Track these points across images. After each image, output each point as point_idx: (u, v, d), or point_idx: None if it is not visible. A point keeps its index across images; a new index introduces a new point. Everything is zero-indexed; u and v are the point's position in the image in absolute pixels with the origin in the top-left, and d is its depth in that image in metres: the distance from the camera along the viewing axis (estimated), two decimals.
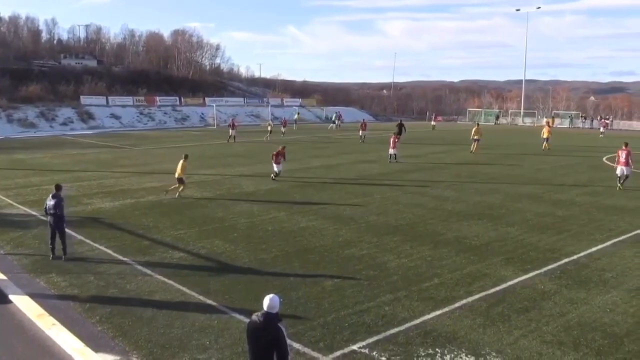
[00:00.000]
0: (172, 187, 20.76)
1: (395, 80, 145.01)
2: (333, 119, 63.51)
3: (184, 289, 11.18)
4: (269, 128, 48.81)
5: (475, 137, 37.16)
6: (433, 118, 73.36)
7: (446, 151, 38.16)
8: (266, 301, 6.57)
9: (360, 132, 45.61)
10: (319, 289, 11.22)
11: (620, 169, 23.34)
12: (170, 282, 11.56)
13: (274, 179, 24.17)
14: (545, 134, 40.64)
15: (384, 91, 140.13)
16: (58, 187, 13.46)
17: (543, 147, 39.42)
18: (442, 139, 50.45)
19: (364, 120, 52.45)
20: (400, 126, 44.64)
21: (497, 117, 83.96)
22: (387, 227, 16.31)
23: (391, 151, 31.35)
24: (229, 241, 14.68)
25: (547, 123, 48.09)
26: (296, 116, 59.87)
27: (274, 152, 24.42)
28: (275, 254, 13.57)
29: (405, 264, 12.87)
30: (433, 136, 53.68)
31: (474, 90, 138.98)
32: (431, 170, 28.16)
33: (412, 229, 16.12)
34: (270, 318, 6.49)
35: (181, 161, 20.61)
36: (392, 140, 31.66)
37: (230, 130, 43.95)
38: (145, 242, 14.59)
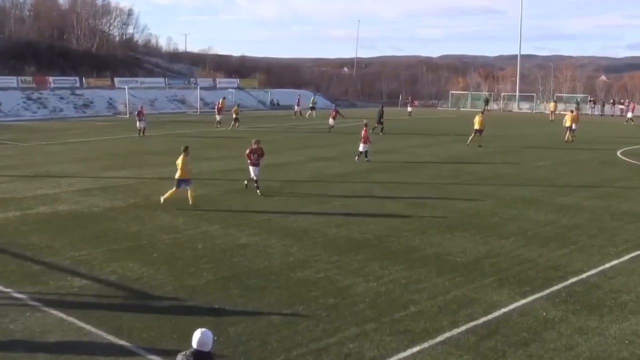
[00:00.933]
0: (169, 193, 20.16)
1: (359, 56, 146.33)
2: (313, 102, 64.26)
3: (88, 327, 10.96)
4: (235, 115, 48.71)
5: (477, 128, 37.40)
6: (409, 103, 74.12)
7: (424, 145, 38.67)
8: (196, 336, 6.54)
9: (331, 120, 46.47)
10: (265, 323, 11.18)
11: None
12: (70, 318, 11.31)
13: (248, 187, 22.84)
14: (568, 121, 41.97)
15: (345, 69, 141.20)
16: None
17: (566, 139, 40.88)
18: (419, 129, 51.06)
19: (335, 107, 53.93)
20: (381, 114, 45.26)
21: (487, 102, 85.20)
22: (350, 242, 16.39)
23: (362, 147, 30.56)
24: (147, 264, 14.48)
25: (574, 109, 48.86)
26: (221, 101, 59.53)
27: (249, 150, 22.57)
28: (207, 279, 13.46)
29: (374, 288, 12.95)
30: (407, 126, 54.25)
31: (457, 67, 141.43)
32: (405, 169, 28.48)
33: (382, 244, 16.24)
34: (202, 358, 6.46)
35: (181, 156, 20.11)
36: (363, 132, 30.87)
37: (138, 123, 42.97)
38: (35, 267, 14.25)
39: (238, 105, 52.79)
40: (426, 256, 15.17)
